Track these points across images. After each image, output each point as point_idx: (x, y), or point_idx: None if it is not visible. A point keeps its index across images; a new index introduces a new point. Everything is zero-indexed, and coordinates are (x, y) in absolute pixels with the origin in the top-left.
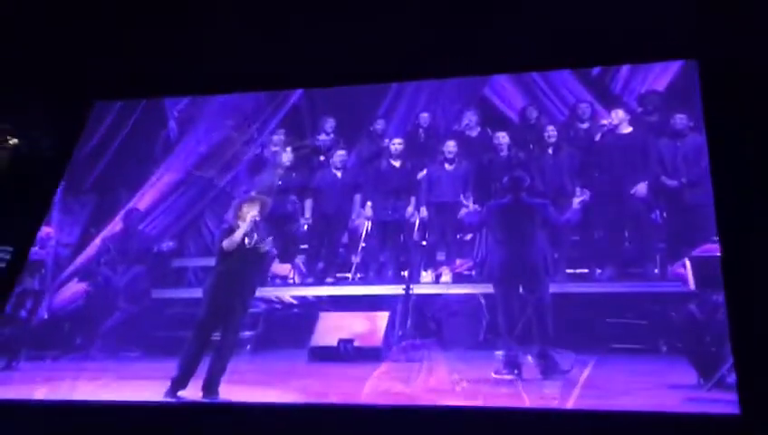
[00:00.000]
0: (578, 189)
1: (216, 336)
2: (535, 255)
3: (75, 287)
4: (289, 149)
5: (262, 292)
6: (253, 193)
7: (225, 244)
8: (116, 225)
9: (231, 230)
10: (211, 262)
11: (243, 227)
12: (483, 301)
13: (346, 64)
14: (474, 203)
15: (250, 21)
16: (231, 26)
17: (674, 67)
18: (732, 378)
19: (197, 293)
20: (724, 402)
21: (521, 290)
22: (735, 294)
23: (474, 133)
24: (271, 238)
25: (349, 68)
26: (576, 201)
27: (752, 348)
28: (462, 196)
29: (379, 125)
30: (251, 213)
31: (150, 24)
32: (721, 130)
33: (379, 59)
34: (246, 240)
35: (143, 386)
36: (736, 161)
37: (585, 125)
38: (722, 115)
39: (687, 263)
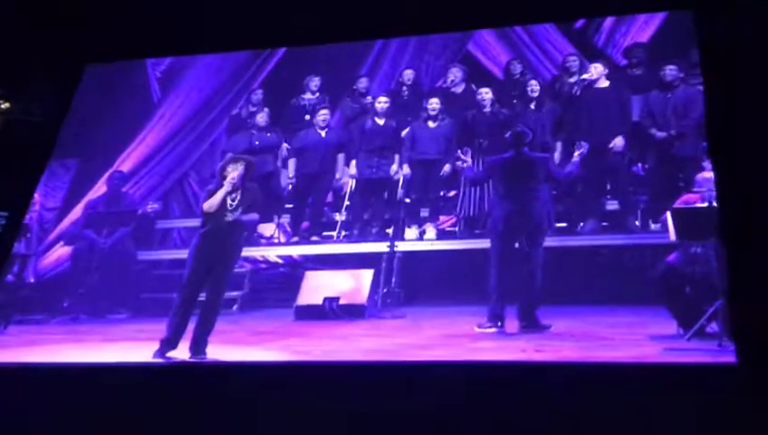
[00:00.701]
0: (576, 143)
1: (202, 297)
2: (539, 209)
3: (61, 251)
4: (266, 109)
5: (247, 252)
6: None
7: (206, 205)
8: (100, 188)
9: (215, 190)
10: (196, 223)
11: (223, 188)
12: (468, 256)
13: (329, 22)
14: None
15: None
16: None
17: (657, 19)
18: (711, 328)
19: (183, 253)
20: (703, 352)
21: (517, 245)
22: (733, 245)
23: (459, 90)
24: (244, 206)
25: (332, 26)
26: (576, 154)
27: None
28: (460, 151)
29: (363, 84)
30: (233, 174)
31: None
32: (717, 80)
33: (362, 16)
34: (228, 201)
35: (131, 347)
36: (732, 111)
37: (574, 79)
38: (717, 65)
39: (668, 215)
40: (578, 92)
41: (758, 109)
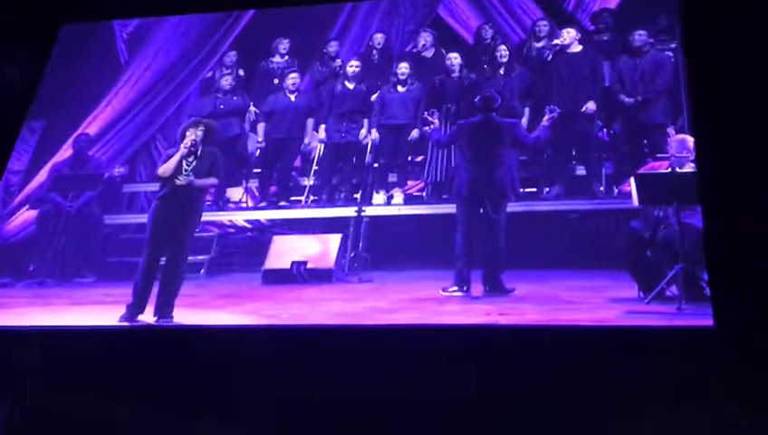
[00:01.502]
0: (547, 107)
1: (163, 261)
2: (503, 174)
3: (26, 214)
4: (230, 72)
5: (215, 216)
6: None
7: (161, 170)
8: (66, 151)
9: (174, 155)
10: None
11: (179, 152)
12: (435, 220)
13: None
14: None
15: None
16: None
17: None
18: (671, 291)
19: None
20: (661, 314)
21: (482, 210)
22: (711, 209)
23: (429, 54)
24: (200, 169)
25: None
26: (545, 119)
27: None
28: (426, 113)
29: (332, 47)
30: (190, 138)
31: None
32: (698, 41)
33: None
34: (184, 165)
35: (98, 311)
36: (714, 73)
37: (541, 43)
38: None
39: (632, 180)
40: (549, 57)
41: (741, 81)
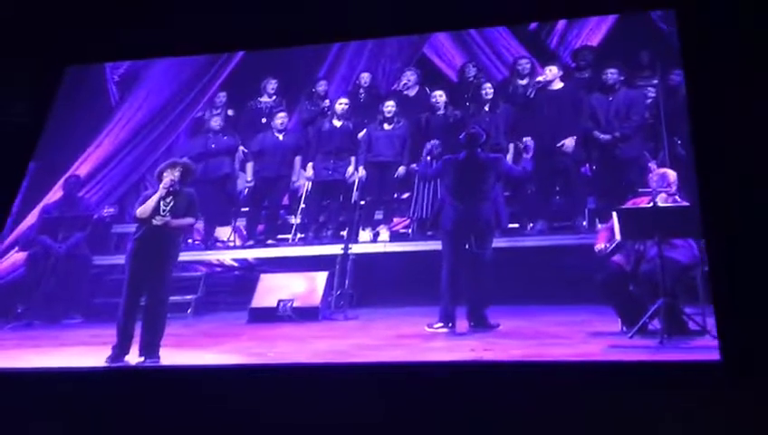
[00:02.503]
0: (522, 142)
1: (143, 302)
2: (488, 210)
3: (16, 256)
4: (219, 111)
5: (203, 255)
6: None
7: (139, 211)
8: (56, 192)
9: (151, 196)
10: None
11: (157, 193)
12: (421, 257)
13: (287, 25)
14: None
15: None
16: None
17: (608, 22)
18: (653, 325)
19: None
20: (644, 348)
21: (467, 246)
22: (714, 243)
23: (412, 93)
24: (177, 210)
25: (290, 29)
26: (525, 155)
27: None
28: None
29: (321, 86)
30: (167, 178)
31: None
32: (700, 79)
33: (319, 19)
34: (162, 205)
35: (86, 352)
36: (715, 110)
37: (524, 81)
38: (700, 65)
39: (614, 215)
40: (532, 94)
41: (742, 108)
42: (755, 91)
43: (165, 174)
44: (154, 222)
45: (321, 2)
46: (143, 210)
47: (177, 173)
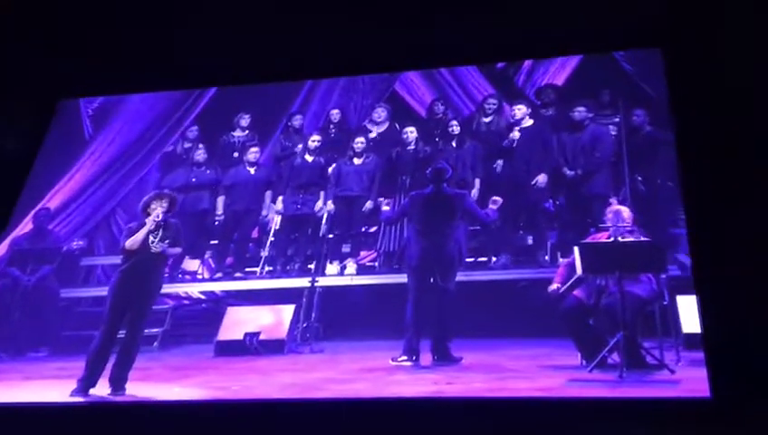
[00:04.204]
0: (491, 200)
1: (122, 334)
2: (452, 245)
3: None
4: (203, 145)
5: (170, 288)
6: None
7: (128, 243)
8: (26, 225)
9: (137, 228)
10: (120, 260)
11: (146, 226)
12: (386, 290)
13: (260, 62)
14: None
15: (163, 19)
16: (145, 24)
17: (573, 62)
18: (613, 359)
19: (105, 291)
20: (603, 382)
21: (432, 280)
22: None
23: (381, 129)
24: (167, 241)
25: (263, 65)
26: (493, 206)
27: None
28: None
29: (297, 121)
30: (156, 210)
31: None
32: (687, 117)
33: (292, 57)
34: (151, 238)
35: (52, 385)
36: (702, 150)
37: (489, 119)
38: (687, 103)
39: (576, 250)
40: (501, 131)
41: (728, 146)
42: (741, 128)
43: (152, 206)
44: (146, 255)
45: (293, 41)
46: (132, 243)
47: (165, 204)
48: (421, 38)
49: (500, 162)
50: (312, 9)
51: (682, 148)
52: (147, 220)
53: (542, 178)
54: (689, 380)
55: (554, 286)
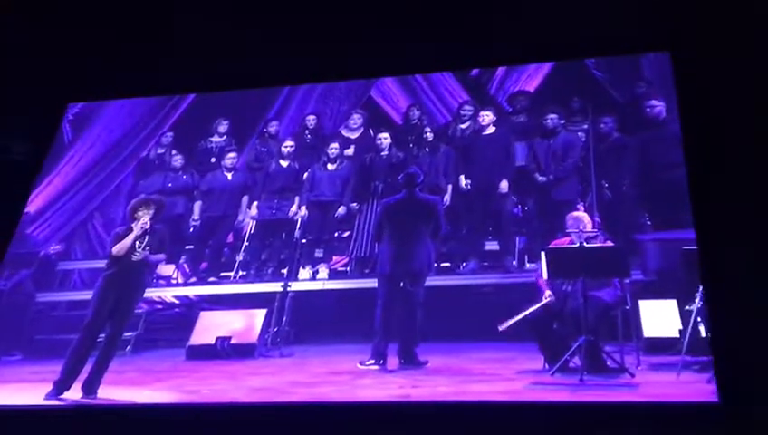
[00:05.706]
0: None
1: (101, 338)
2: (423, 250)
3: None
4: (176, 151)
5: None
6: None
7: (115, 249)
8: None
9: (124, 233)
10: (97, 264)
11: (133, 232)
12: (357, 295)
13: (239, 69)
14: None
15: (143, 25)
16: (124, 31)
17: (545, 69)
18: (574, 363)
19: (82, 295)
20: (564, 386)
21: (402, 284)
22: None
23: (355, 135)
24: (151, 247)
25: (241, 72)
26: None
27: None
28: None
29: (273, 127)
30: (144, 216)
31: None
32: (695, 121)
33: (270, 63)
34: (137, 244)
35: (24, 389)
36: (711, 153)
37: (465, 125)
38: (696, 107)
39: (543, 254)
40: (468, 138)
41: (737, 150)
42: (749, 130)
43: (140, 211)
44: (132, 259)
45: (271, 48)
46: (120, 248)
47: (151, 210)
48: (397, 45)
49: (466, 168)
50: (289, 15)
51: (689, 150)
52: (134, 226)
53: (503, 185)
54: (649, 383)
55: (546, 294)
